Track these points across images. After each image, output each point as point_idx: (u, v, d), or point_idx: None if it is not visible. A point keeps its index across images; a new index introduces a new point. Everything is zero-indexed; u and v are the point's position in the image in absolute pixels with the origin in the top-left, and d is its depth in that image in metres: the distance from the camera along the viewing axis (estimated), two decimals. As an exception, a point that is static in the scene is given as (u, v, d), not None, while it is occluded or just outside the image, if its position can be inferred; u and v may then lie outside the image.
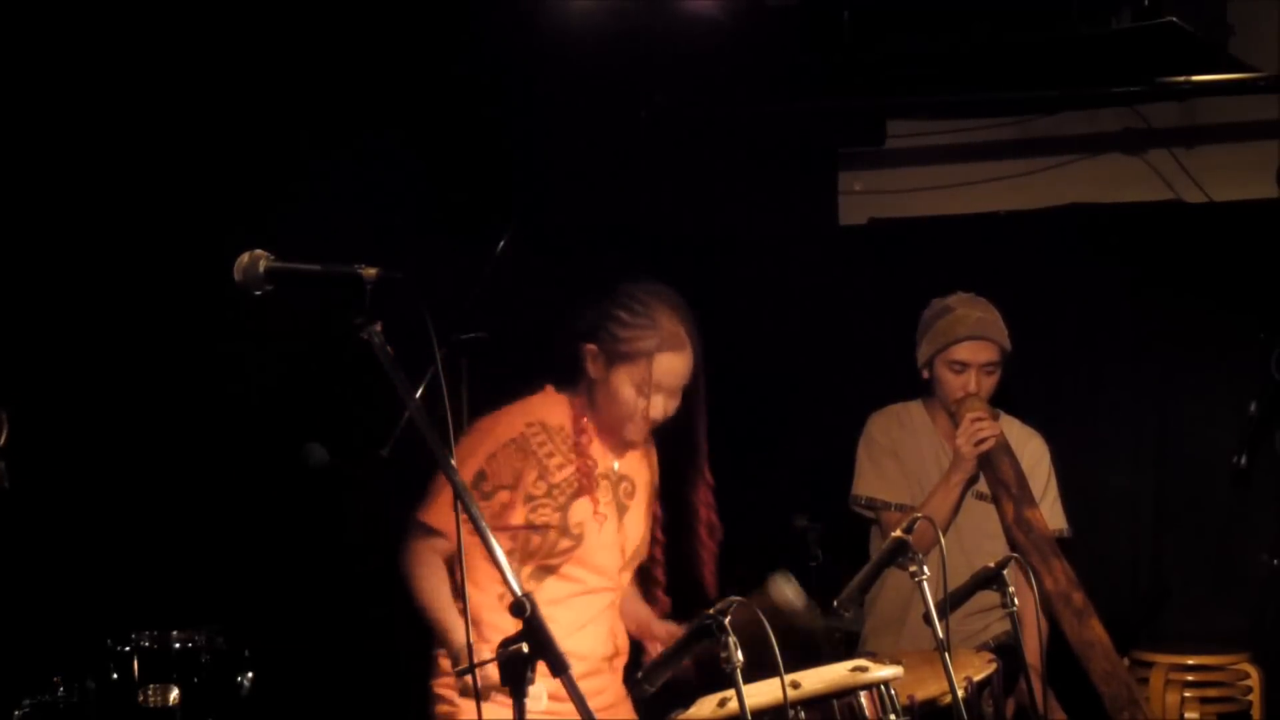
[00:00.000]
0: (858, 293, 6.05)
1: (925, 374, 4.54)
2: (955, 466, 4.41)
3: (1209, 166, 5.88)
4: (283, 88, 4.44)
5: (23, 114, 3.93)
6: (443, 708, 3.56)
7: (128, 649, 3.58)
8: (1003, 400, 4.53)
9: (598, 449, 3.57)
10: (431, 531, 3.45)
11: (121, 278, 4.15)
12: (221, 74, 4.31)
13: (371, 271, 2.41)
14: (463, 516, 2.44)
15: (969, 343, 4.43)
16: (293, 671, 4.15)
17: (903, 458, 4.55)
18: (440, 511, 3.44)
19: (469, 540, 3.40)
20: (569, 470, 3.50)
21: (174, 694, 3.56)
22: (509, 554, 3.41)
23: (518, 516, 3.47)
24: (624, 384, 3.47)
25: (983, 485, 4.49)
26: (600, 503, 3.54)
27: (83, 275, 4.08)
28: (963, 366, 4.43)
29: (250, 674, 3.72)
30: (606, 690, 3.58)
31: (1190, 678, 5.37)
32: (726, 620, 2.67)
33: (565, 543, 3.49)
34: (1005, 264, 5.84)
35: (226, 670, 3.69)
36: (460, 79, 4.94)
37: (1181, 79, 5.54)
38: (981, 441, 4.36)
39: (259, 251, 2.46)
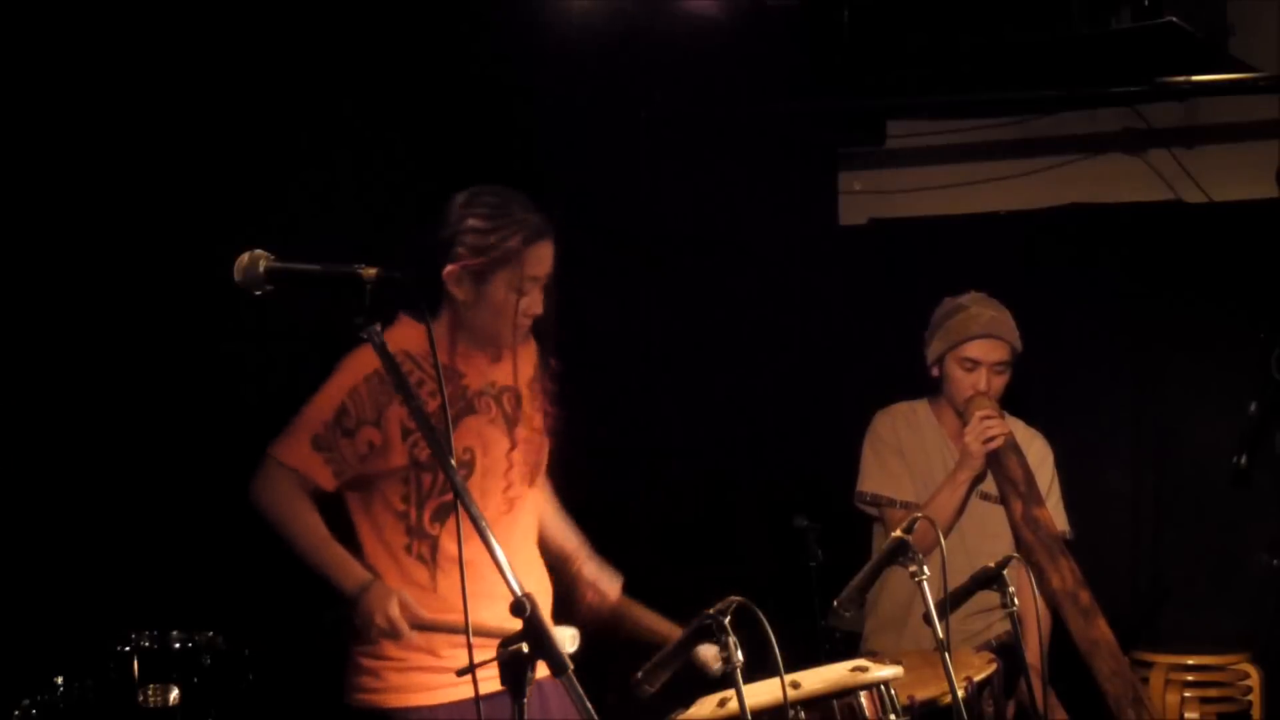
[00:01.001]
0: (858, 293, 6.05)
1: (935, 371, 4.54)
2: (962, 464, 4.41)
3: (1209, 166, 5.88)
4: (283, 88, 4.43)
5: (23, 115, 3.92)
6: (368, 679, 3.45)
7: (128, 649, 3.58)
8: (1007, 400, 4.54)
9: (471, 366, 3.43)
10: (287, 471, 3.31)
11: (121, 278, 4.14)
12: (222, 75, 4.30)
13: (371, 271, 2.41)
14: (464, 516, 2.42)
15: (982, 341, 4.43)
16: (293, 671, 4.15)
17: (908, 455, 4.55)
18: (294, 447, 3.31)
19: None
20: (443, 396, 3.37)
21: (174, 694, 3.56)
22: (402, 499, 3.35)
23: (397, 456, 3.32)
24: (499, 290, 3.34)
25: (987, 485, 4.49)
26: (485, 420, 3.41)
27: (82, 275, 4.08)
28: (974, 364, 4.44)
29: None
30: None
31: (1190, 678, 5.37)
32: (726, 620, 2.67)
33: (460, 472, 3.33)
34: (1005, 264, 5.85)
35: (226, 670, 3.68)
36: (460, 79, 4.94)
37: (1181, 79, 5.55)
38: (990, 440, 4.37)
39: (259, 251, 2.46)
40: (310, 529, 3.33)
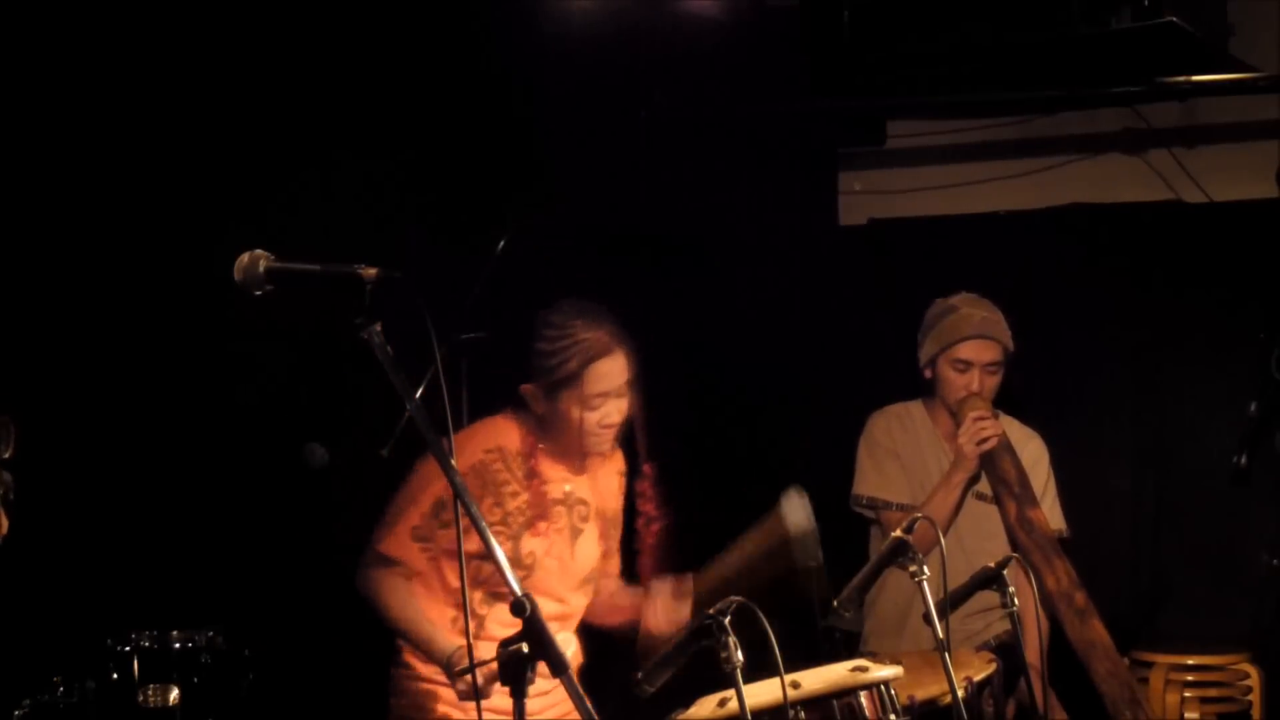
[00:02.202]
0: (858, 293, 6.05)
1: (928, 373, 4.54)
2: (957, 466, 4.41)
3: (1209, 166, 5.88)
4: (283, 88, 4.44)
5: (25, 116, 3.93)
6: (403, 700, 3.54)
7: (128, 649, 3.58)
8: (1002, 400, 4.54)
9: (550, 471, 3.54)
10: (391, 561, 3.43)
11: (122, 279, 4.15)
12: (223, 75, 4.31)
13: (371, 271, 2.41)
14: (463, 516, 2.42)
15: (973, 341, 4.43)
16: (293, 671, 4.15)
17: (903, 457, 4.55)
18: (398, 541, 3.42)
19: (432, 559, 3.42)
20: (523, 498, 3.47)
21: (174, 694, 3.56)
22: (459, 576, 3.38)
23: (470, 544, 3.39)
24: (569, 408, 3.43)
25: (983, 486, 4.49)
26: (553, 528, 3.52)
27: (83, 276, 4.08)
28: (966, 365, 4.44)
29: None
30: (560, 704, 3.51)
31: (1190, 678, 5.37)
32: (727, 620, 2.67)
33: (517, 572, 3.37)
34: (1005, 264, 5.84)
35: (226, 670, 3.69)
36: (461, 79, 4.94)
37: (1181, 79, 5.54)
38: (984, 441, 4.37)
39: (259, 251, 2.46)
40: (407, 607, 3.44)
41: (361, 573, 3.48)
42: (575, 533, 3.58)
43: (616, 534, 3.75)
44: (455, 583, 3.45)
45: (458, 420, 3.84)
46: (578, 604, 3.63)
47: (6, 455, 2.71)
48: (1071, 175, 6.10)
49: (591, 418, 3.44)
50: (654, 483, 3.65)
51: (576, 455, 3.56)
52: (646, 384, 5.57)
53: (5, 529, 2.77)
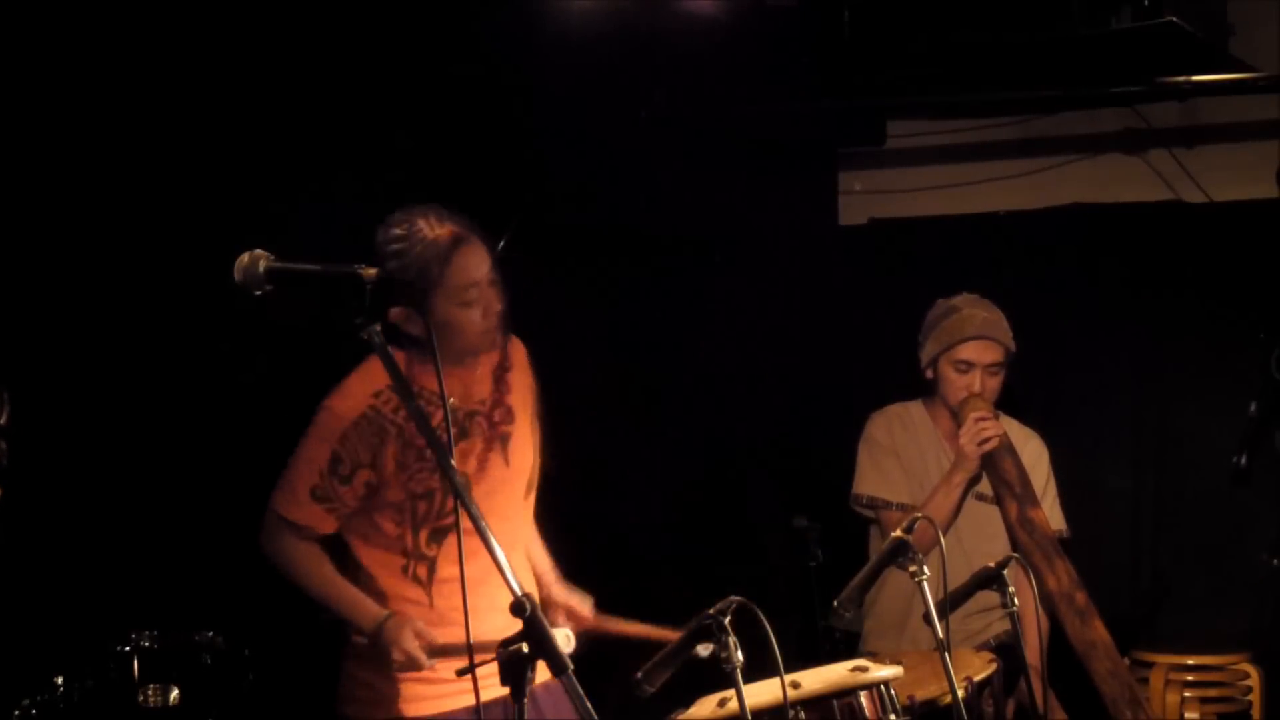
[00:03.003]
0: (858, 293, 6.05)
1: (929, 374, 4.54)
2: (957, 466, 4.41)
3: (1209, 166, 5.88)
4: (283, 88, 4.44)
5: (26, 115, 3.93)
6: (361, 691, 3.46)
7: (128, 649, 3.58)
8: (1002, 400, 4.54)
9: (453, 387, 3.34)
10: (290, 525, 3.35)
11: (122, 278, 4.15)
12: (223, 74, 4.31)
13: (371, 271, 2.41)
14: (463, 515, 2.42)
15: (975, 342, 4.44)
16: (293, 671, 4.15)
17: (903, 457, 4.56)
18: (294, 502, 3.34)
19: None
20: (435, 419, 3.24)
21: (174, 694, 3.56)
22: (398, 525, 3.36)
23: (395, 492, 3.34)
24: (448, 312, 3.27)
25: (983, 486, 4.50)
26: (475, 446, 3.41)
27: (83, 276, 4.08)
28: (968, 366, 4.44)
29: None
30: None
31: (1190, 678, 5.37)
32: (726, 620, 2.67)
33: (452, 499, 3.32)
34: (1005, 264, 5.85)
35: (226, 670, 3.68)
36: (461, 79, 4.94)
37: (1181, 79, 5.54)
38: (985, 441, 4.37)
39: (259, 251, 2.46)
40: (321, 576, 3.38)
41: (263, 537, 3.39)
42: (503, 441, 3.48)
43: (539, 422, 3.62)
44: (394, 529, 3.37)
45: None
46: (529, 510, 3.55)
47: (2, 422, 2.71)
48: (1071, 175, 6.10)
49: (469, 314, 3.29)
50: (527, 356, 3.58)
51: (469, 363, 3.40)
52: (646, 384, 5.58)
53: None
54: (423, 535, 3.39)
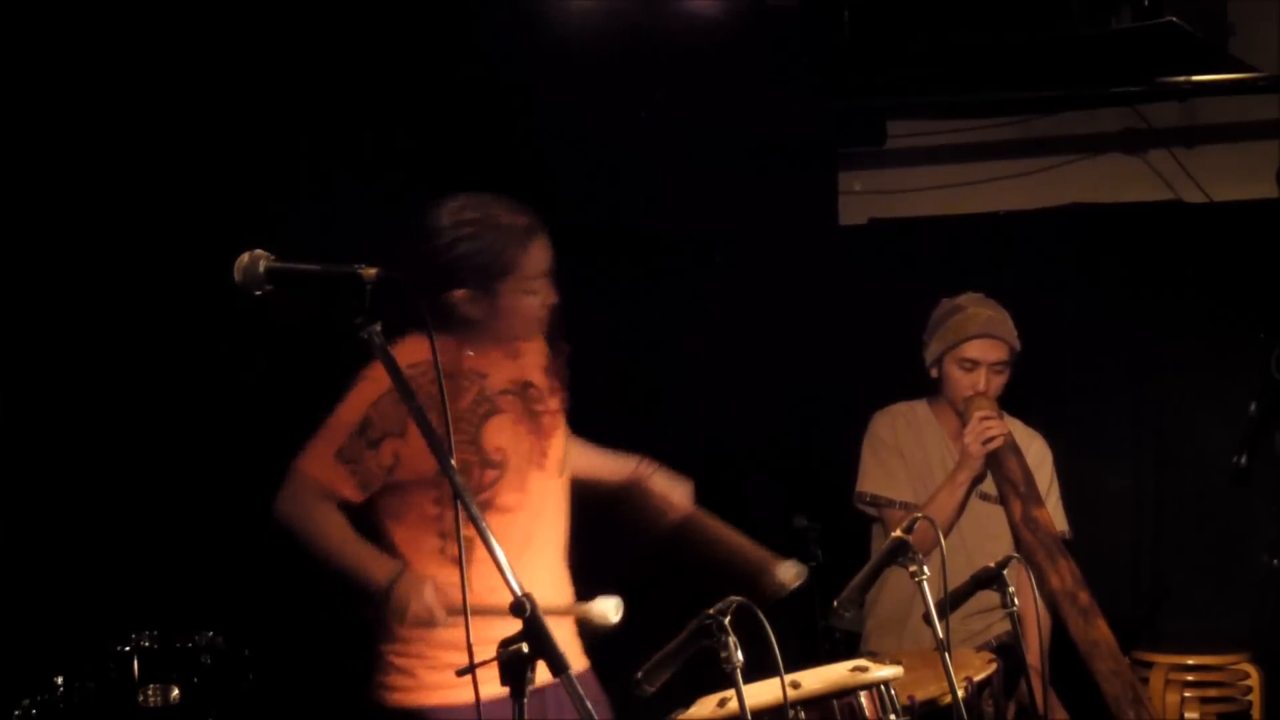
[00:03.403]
0: (858, 293, 6.05)
1: (934, 372, 4.54)
2: (962, 465, 4.41)
3: (1209, 166, 5.88)
4: (284, 88, 4.44)
5: (25, 115, 3.93)
6: (396, 678, 3.40)
7: (128, 649, 3.58)
8: (1007, 401, 4.54)
9: (491, 366, 3.41)
10: (313, 482, 3.31)
11: (122, 278, 4.15)
12: (223, 74, 4.31)
13: (371, 271, 2.41)
14: (463, 515, 2.42)
15: (980, 340, 4.44)
16: (293, 671, 4.15)
17: (908, 456, 4.56)
18: (319, 460, 3.31)
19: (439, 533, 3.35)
20: (468, 399, 3.35)
21: (174, 694, 3.56)
22: (435, 503, 3.34)
23: (427, 463, 3.25)
24: (511, 298, 3.34)
25: (987, 486, 4.50)
26: (510, 419, 3.41)
27: (83, 276, 4.08)
28: (973, 364, 4.44)
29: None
30: (560, 630, 3.47)
31: (1190, 678, 5.37)
32: (726, 620, 2.67)
33: (490, 473, 3.35)
34: (1005, 264, 5.85)
35: (226, 670, 3.68)
36: (461, 79, 4.94)
37: (1181, 79, 5.55)
38: (990, 440, 4.37)
39: (259, 251, 2.46)
40: (335, 531, 3.31)
41: (282, 495, 3.33)
42: (534, 416, 3.48)
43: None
44: (433, 509, 3.34)
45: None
46: (564, 489, 3.54)
47: None
48: (1071, 175, 6.10)
49: (534, 302, 3.37)
50: (569, 363, 3.58)
51: (507, 346, 3.44)
52: (646, 384, 5.58)
53: None
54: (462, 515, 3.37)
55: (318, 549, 3.31)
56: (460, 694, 3.31)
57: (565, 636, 3.41)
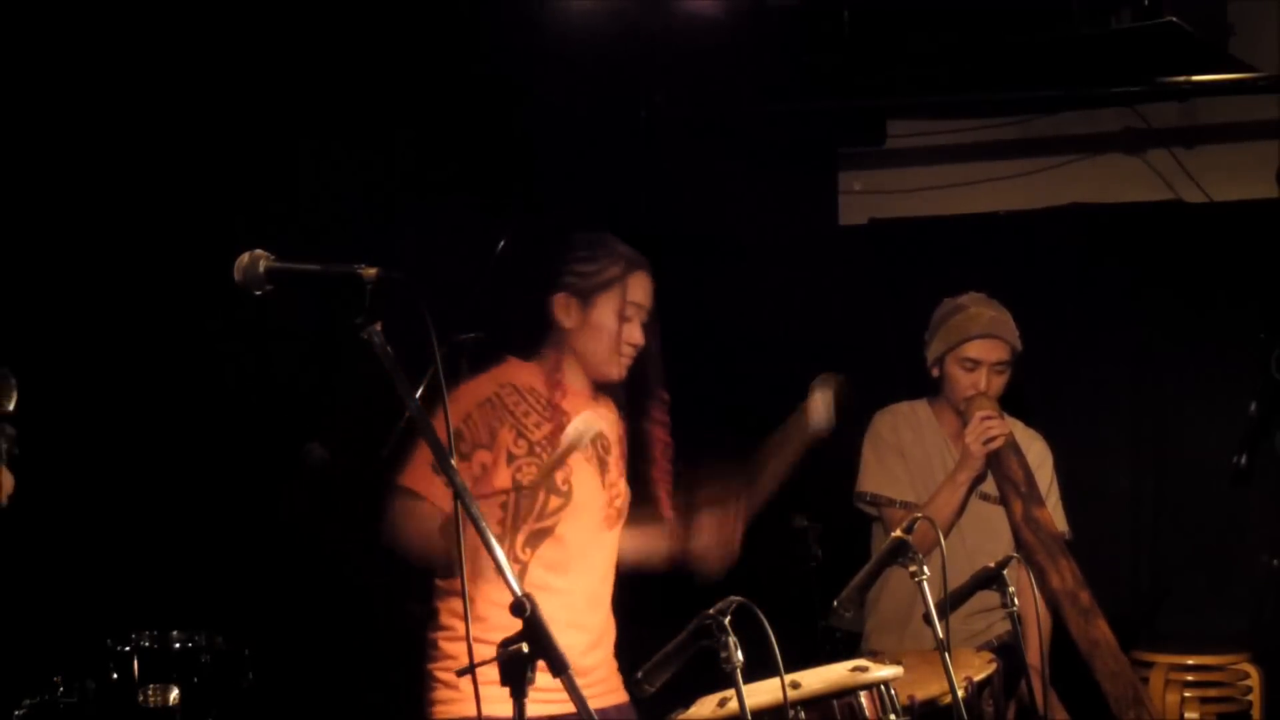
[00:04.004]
0: (858, 293, 6.05)
1: (935, 372, 4.54)
2: (963, 465, 4.41)
3: (1209, 166, 5.88)
4: (284, 88, 4.44)
5: (26, 114, 3.93)
6: (443, 692, 3.47)
7: (128, 649, 3.58)
8: (1008, 401, 4.53)
9: (573, 406, 3.54)
10: (413, 495, 3.40)
11: (122, 278, 4.15)
12: (223, 74, 4.31)
13: (371, 271, 2.41)
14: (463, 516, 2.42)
15: (982, 340, 4.44)
16: (293, 671, 4.15)
17: (908, 455, 4.55)
18: (418, 473, 3.40)
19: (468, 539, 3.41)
20: (547, 428, 3.48)
21: (174, 694, 3.56)
22: (500, 523, 3.42)
23: (502, 479, 3.43)
24: (605, 315, 3.51)
25: (987, 486, 4.49)
26: (581, 457, 3.51)
27: (83, 275, 4.08)
28: (974, 364, 4.44)
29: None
30: (602, 667, 3.55)
31: (1190, 678, 5.36)
32: (726, 620, 2.67)
33: (555, 501, 3.47)
34: (1005, 264, 5.84)
35: (226, 670, 3.69)
36: (461, 79, 4.94)
37: (1181, 79, 5.55)
38: (991, 440, 4.36)
39: (259, 251, 2.46)
40: (443, 534, 3.35)
41: (385, 517, 3.43)
42: (602, 464, 3.60)
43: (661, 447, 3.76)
44: (497, 526, 3.42)
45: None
46: (615, 538, 3.63)
47: (10, 408, 2.70)
48: (1071, 175, 6.10)
49: (625, 329, 3.51)
50: (668, 410, 3.70)
51: (598, 376, 3.58)
52: (646, 385, 5.57)
53: (10, 488, 2.76)
54: (520, 536, 3.46)
55: (419, 551, 3.39)
56: (502, 708, 3.35)
57: (604, 672, 3.57)
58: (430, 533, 3.39)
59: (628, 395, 3.66)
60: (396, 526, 3.43)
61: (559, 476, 3.48)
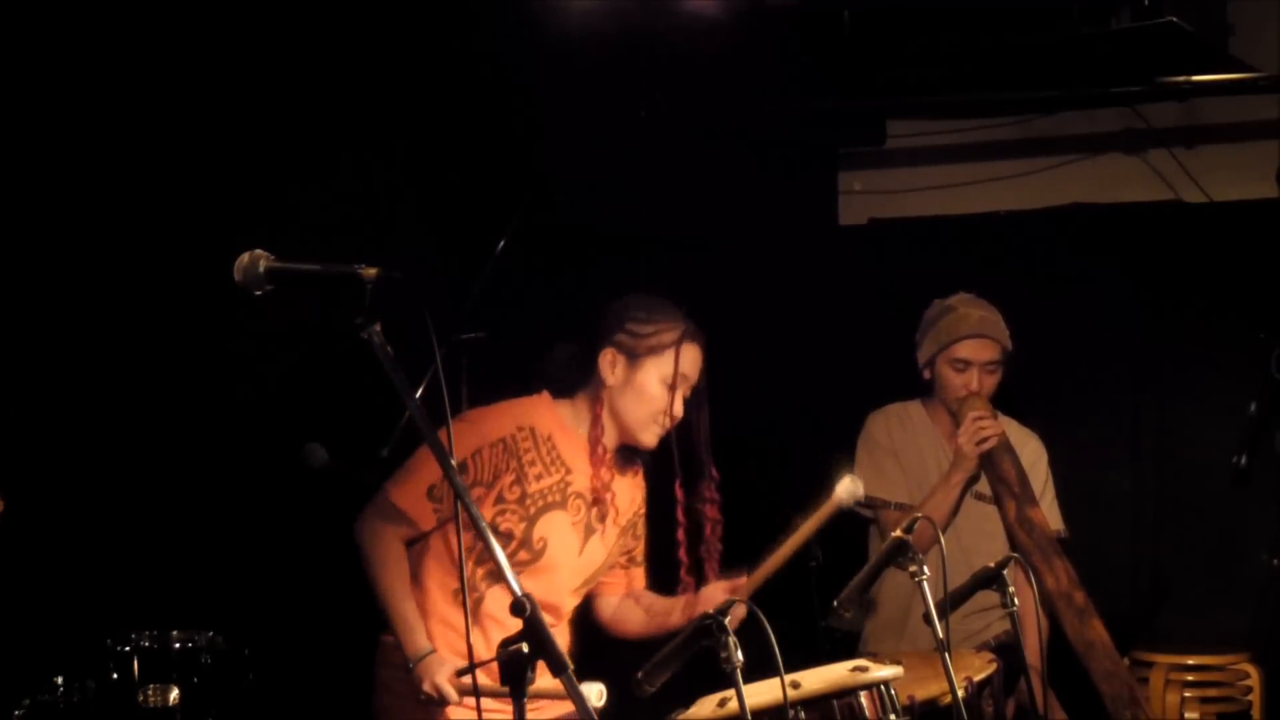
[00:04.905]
0: (858, 293, 6.05)
1: (927, 374, 4.55)
2: (956, 465, 4.41)
3: (1209, 166, 5.88)
4: (283, 88, 4.44)
5: (25, 115, 3.93)
6: (387, 699, 3.50)
7: (128, 649, 3.58)
8: (1002, 400, 4.54)
9: (578, 463, 3.51)
10: (399, 514, 3.40)
11: (122, 278, 4.15)
12: (223, 75, 4.31)
13: (371, 271, 2.40)
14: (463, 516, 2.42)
15: (972, 340, 4.44)
16: (293, 671, 4.15)
17: (902, 457, 4.56)
18: (411, 494, 3.39)
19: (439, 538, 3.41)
20: (546, 482, 3.45)
21: (174, 694, 3.56)
22: (468, 550, 3.40)
23: (486, 515, 3.39)
24: (650, 379, 3.47)
25: (982, 486, 4.50)
26: (569, 520, 3.49)
27: (83, 275, 4.08)
28: (965, 364, 4.45)
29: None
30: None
31: (1190, 678, 5.37)
32: (726, 620, 2.67)
33: (523, 554, 3.43)
34: (1005, 264, 5.85)
35: (226, 670, 3.68)
36: (461, 79, 4.94)
37: (1181, 79, 5.55)
38: (984, 440, 4.37)
39: (259, 251, 2.46)
40: (398, 583, 3.40)
41: (365, 517, 3.43)
42: (589, 531, 3.55)
43: (639, 546, 3.74)
44: (461, 557, 3.39)
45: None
46: (570, 604, 3.61)
47: None
48: (1071, 175, 6.10)
49: (665, 395, 3.46)
50: (719, 488, 3.65)
51: (632, 441, 3.54)
52: (698, 462, 5.57)
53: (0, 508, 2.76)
54: (481, 569, 3.46)
55: (375, 586, 3.41)
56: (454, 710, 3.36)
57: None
58: (390, 560, 3.39)
59: (681, 473, 3.61)
60: (368, 536, 3.42)
61: (534, 534, 3.44)
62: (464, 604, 2.74)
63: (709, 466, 3.63)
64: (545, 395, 3.55)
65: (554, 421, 3.51)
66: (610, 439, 3.53)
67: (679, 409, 3.50)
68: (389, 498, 3.41)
